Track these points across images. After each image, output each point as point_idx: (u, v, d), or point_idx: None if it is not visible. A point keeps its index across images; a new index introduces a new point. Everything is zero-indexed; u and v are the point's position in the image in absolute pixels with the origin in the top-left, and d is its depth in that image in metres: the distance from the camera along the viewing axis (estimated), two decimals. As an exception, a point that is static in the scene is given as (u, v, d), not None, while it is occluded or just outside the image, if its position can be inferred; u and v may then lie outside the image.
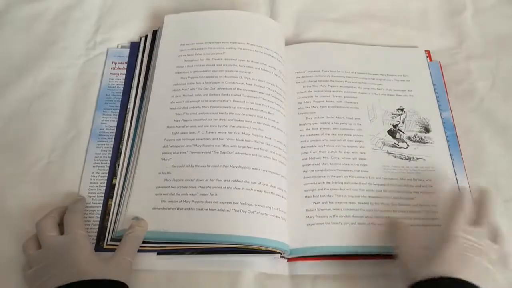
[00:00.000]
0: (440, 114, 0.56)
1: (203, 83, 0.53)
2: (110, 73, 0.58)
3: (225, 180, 0.47)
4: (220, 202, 0.46)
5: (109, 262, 0.42)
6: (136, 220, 0.45)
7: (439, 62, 0.60)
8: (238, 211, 0.45)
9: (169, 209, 0.46)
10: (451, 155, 0.53)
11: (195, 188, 0.47)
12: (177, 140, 0.50)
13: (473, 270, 0.39)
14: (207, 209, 0.45)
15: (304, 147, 0.52)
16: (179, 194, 0.47)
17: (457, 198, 0.46)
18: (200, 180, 0.47)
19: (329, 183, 0.50)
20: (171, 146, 0.49)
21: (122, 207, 0.48)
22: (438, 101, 0.57)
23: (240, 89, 0.52)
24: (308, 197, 0.49)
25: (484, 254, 0.40)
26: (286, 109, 0.53)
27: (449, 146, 0.54)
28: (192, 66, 0.54)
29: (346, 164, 0.51)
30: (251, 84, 0.52)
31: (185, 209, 0.46)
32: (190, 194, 0.46)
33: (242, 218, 0.45)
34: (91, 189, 0.50)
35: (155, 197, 0.47)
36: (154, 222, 0.46)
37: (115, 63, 0.59)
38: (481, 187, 0.47)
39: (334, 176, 0.50)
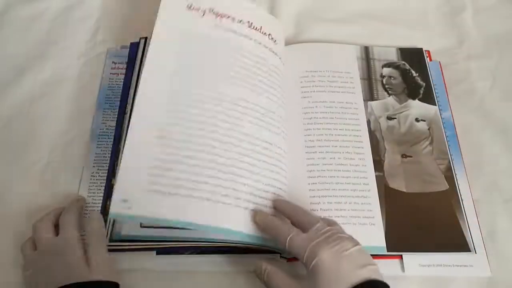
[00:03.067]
0: (440, 114, 0.56)
1: (207, 67, 0.50)
2: (110, 73, 0.58)
3: (224, 180, 0.46)
4: (221, 201, 0.45)
5: (90, 263, 0.41)
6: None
7: (439, 62, 0.60)
8: (239, 206, 0.45)
9: (164, 193, 0.43)
10: (451, 155, 0.53)
11: (189, 181, 0.44)
12: (176, 125, 0.46)
13: (342, 255, 0.38)
14: (207, 207, 0.43)
15: (308, 146, 0.52)
16: (172, 185, 0.43)
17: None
18: (194, 174, 0.44)
19: (332, 183, 0.50)
20: (166, 138, 0.46)
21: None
22: (438, 101, 0.57)
23: (246, 81, 0.51)
24: (312, 196, 0.49)
25: (332, 240, 0.39)
26: (288, 110, 0.53)
27: (449, 146, 0.54)
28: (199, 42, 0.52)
29: (347, 165, 0.51)
30: (255, 79, 0.52)
31: (181, 195, 0.43)
32: (184, 187, 0.43)
33: (242, 218, 0.45)
34: (91, 189, 0.50)
35: (149, 179, 0.43)
36: (148, 206, 0.42)
37: (115, 63, 0.59)
38: (273, 203, 0.46)
39: (338, 177, 0.50)
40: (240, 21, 0.54)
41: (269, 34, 0.56)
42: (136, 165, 0.43)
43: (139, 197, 0.42)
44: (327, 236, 0.40)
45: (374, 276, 0.38)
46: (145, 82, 0.47)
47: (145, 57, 0.49)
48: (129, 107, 0.55)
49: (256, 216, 0.44)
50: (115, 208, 0.41)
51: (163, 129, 0.45)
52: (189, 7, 0.53)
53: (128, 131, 0.45)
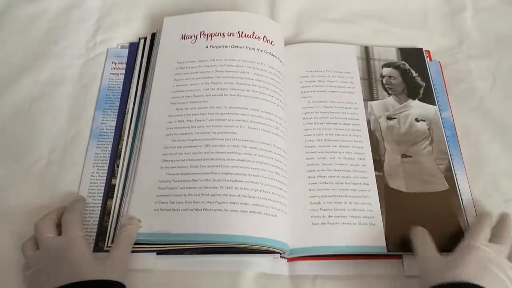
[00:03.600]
0: (440, 114, 0.56)
1: (203, 83, 0.53)
2: (110, 73, 0.58)
3: (224, 180, 0.47)
4: (220, 202, 0.46)
5: (104, 262, 0.42)
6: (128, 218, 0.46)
7: (439, 62, 0.60)
8: (237, 211, 0.45)
9: (169, 210, 0.46)
10: (451, 155, 0.53)
11: (195, 188, 0.47)
12: (177, 141, 0.50)
13: (491, 280, 0.40)
14: (207, 210, 0.45)
15: (308, 146, 0.52)
16: (179, 195, 0.47)
17: (480, 216, 0.48)
18: (200, 181, 0.47)
19: (332, 183, 0.50)
20: (171, 147, 0.49)
21: (123, 209, 0.48)
22: (438, 101, 0.57)
23: (242, 89, 0.52)
24: (312, 196, 0.49)
25: (502, 268, 0.41)
26: (287, 110, 0.54)
27: (449, 146, 0.54)
28: (192, 67, 0.54)
29: (347, 165, 0.51)
30: (250, 84, 0.52)
31: (186, 209, 0.46)
32: (189, 195, 0.46)
33: (241, 218, 0.45)
34: (91, 189, 0.50)
35: (156, 199, 0.47)
36: (155, 224, 0.46)
37: (115, 63, 0.59)
38: (503, 212, 0.48)
39: (338, 177, 0.50)
40: (230, 34, 0.56)
41: (263, 37, 0.56)
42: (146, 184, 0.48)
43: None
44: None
45: None
46: (152, 110, 0.52)
47: (150, 84, 0.54)
48: (129, 107, 0.55)
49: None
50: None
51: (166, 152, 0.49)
52: (183, 37, 0.56)
53: (140, 153, 0.50)
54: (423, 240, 0.45)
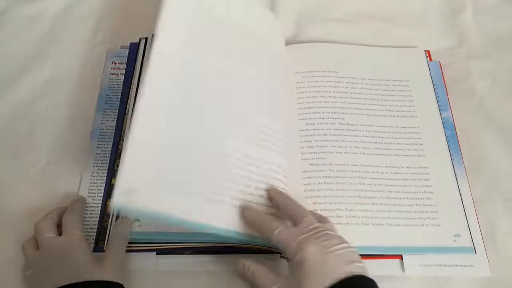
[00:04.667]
0: (440, 114, 0.56)
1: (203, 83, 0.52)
2: (110, 73, 0.58)
3: (222, 174, 0.45)
4: (222, 201, 0.45)
5: (102, 263, 0.42)
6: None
7: (439, 62, 0.60)
8: (237, 210, 0.45)
9: (167, 190, 0.42)
10: (451, 155, 0.53)
11: (192, 180, 0.43)
12: (176, 133, 0.45)
13: (328, 250, 0.38)
14: (208, 206, 0.44)
15: (303, 147, 0.52)
16: (179, 194, 0.44)
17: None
18: (197, 173, 0.44)
19: (329, 183, 0.50)
20: (171, 142, 0.45)
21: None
22: (438, 101, 0.57)
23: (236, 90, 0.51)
24: (309, 197, 0.49)
25: (320, 235, 0.39)
26: (286, 110, 0.53)
27: (449, 146, 0.54)
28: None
29: (344, 165, 0.51)
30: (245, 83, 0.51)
31: (183, 194, 0.42)
32: (188, 186, 0.43)
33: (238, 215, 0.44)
34: (91, 189, 0.50)
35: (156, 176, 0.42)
36: (154, 224, 0.45)
37: (115, 63, 0.59)
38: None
39: (336, 177, 0.50)
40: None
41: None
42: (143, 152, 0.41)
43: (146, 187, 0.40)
44: (316, 231, 0.39)
45: (360, 272, 0.37)
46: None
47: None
48: (129, 107, 0.55)
49: (244, 211, 0.43)
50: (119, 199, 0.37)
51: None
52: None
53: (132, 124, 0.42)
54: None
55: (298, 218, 0.41)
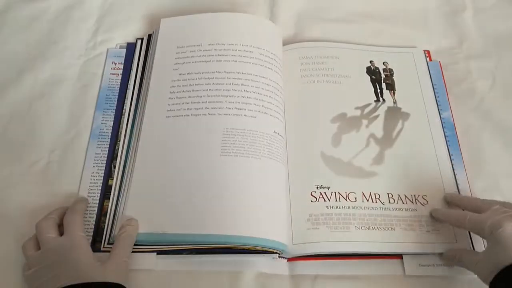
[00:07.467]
0: (440, 114, 0.56)
1: (200, 84, 0.52)
2: (110, 73, 0.58)
3: (222, 180, 0.46)
4: (217, 203, 0.46)
5: (106, 264, 0.42)
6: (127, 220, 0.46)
7: (439, 62, 0.60)
8: (235, 211, 0.45)
9: (166, 210, 0.46)
10: (451, 155, 0.53)
11: (192, 188, 0.46)
12: (175, 141, 0.49)
13: None
14: (204, 209, 0.45)
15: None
16: (177, 196, 0.46)
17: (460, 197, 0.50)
18: (197, 180, 0.47)
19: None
20: (169, 147, 0.49)
21: (119, 210, 0.48)
22: (438, 101, 0.57)
23: (236, 90, 0.51)
24: (314, 197, 0.49)
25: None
26: (287, 111, 0.54)
27: (449, 146, 0.54)
28: (189, 66, 0.54)
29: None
30: (247, 85, 0.52)
31: (182, 210, 0.46)
32: (187, 195, 0.46)
33: (239, 218, 0.45)
34: (91, 189, 0.50)
35: (153, 199, 0.47)
36: (152, 224, 0.46)
37: (115, 63, 0.59)
38: (449, 194, 0.50)
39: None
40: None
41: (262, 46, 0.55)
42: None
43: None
44: (508, 214, 0.42)
45: None
46: (149, 109, 0.52)
47: (147, 85, 0.53)
48: (126, 108, 0.55)
49: (433, 212, 0.49)
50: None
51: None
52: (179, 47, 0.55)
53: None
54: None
55: (486, 206, 0.44)
